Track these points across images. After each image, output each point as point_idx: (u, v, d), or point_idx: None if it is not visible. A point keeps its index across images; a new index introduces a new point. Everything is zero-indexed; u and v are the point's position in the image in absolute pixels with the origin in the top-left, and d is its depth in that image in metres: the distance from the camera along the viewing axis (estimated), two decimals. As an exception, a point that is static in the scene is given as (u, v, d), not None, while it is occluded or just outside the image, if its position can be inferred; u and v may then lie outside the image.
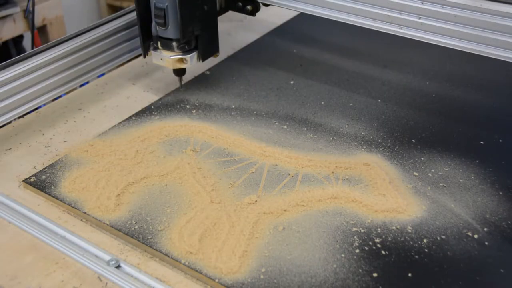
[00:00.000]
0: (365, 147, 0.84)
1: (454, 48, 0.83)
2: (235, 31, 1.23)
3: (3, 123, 0.86)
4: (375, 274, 0.63)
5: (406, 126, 0.89)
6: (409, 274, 0.63)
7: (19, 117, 0.90)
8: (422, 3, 0.82)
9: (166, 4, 0.85)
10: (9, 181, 0.79)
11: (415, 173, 0.78)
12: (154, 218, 0.71)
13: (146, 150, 0.83)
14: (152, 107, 0.94)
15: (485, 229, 0.69)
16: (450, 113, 0.92)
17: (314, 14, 0.93)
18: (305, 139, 0.86)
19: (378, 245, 0.66)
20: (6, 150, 0.85)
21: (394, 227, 0.69)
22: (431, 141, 0.85)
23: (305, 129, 0.88)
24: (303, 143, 0.85)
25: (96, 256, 0.65)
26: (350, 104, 0.95)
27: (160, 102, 0.96)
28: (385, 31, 0.87)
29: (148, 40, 0.92)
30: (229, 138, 0.85)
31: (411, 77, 1.03)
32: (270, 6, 1.01)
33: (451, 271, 0.63)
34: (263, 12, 1.03)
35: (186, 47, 0.91)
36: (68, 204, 0.73)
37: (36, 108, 0.92)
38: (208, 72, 1.05)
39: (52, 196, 0.74)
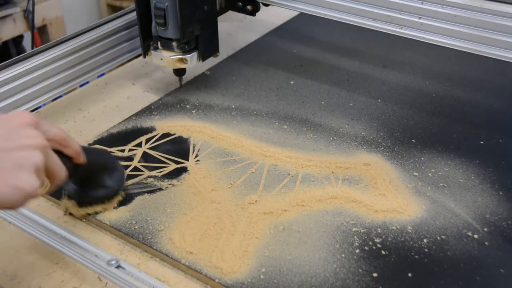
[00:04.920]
0: (365, 147, 0.84)
1: (454, 48, 0.83)
2: (235, 31, 1.23)
3: (3, 123, 0.85)
4: (375, 274, 0.63)
5: (406, 126, 0.89)
6: (409, 274, 0.63)
7: (19, 117, 0.90)
8: (422, 3, 0.82)
9: (166, 4, 0.85)
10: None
11: (415, 173, 0.78)
12: (154, 218, 0.71)
13: (146, 150, 0.83)
14: (152, 107, 0.94)
15: (485, 229, 0.69)
16: (450, 113, 0.92)
17: (314, 14, 0.93)
18: (305, 139, 0.86)
19: (378, 245, 0.66)
20: (6, 150, 0.85)
21: (394, 227, 0.69)
22: (431, 141, 0.85)
23: (305, 129, 0.88)
24: (303, 143, 0.85)
25: (96, 256, 0.65)
26: (350, 104, 0.95)
27: (160, 102, 0.96)
28: (385, 31, 0.87)
29: (148, 40, 0.92)
30: (229, 138, 0.85)
31: (411, 77, 1.03)
32: (270, 6, 1.01)
33: (451, 271, 0.63)
34: (263, 12, 1.03)
35: (186, 47, 0.91)
36: (68, 204, 0.73)
37: (36, 108, 0.92)
38: (208, 72, 1.05)
39: (52, 196, 0.74)
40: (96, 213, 0.71)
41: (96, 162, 0.67)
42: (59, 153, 0.57)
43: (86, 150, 0.63)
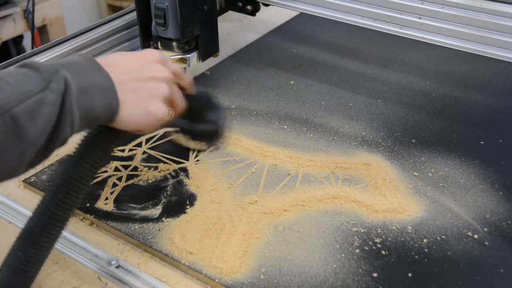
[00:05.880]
0: (365, 147, 0.84)
1: (454, 48, 0.83)
2: (235, 31, 1.23)
3: (3, 123, 0.85)
4: (375, 274, 0.63)
5: (406, 126, 0.89)
6: (409, 274, 0.63)
7: (19, 117, 0.90)
8: (422, 3, 0.82)
9: (166, 4, 0.85)
10: (9, 181, 0.78)
11: (415, 173, 0.78)
12: (154, 218, 0.71)
13: (146, 150, 0.83)
14: (152, 107, 0.94)
15: (485, 229, 0.69)
16: (450, 113, 0.92)
17: (314, 14, 0.94)
18: (305, 139, 0.86)
19: (378, 245, 0.66)
20: (6, 150, 0.85)
21: (394, 227, 0.69)
22: (431, 141, 0.85)
23: (305, 129, 0.88)
24: (303, 143, 0.85)
25: (96, 256, 0.65)
26: (350, 104, 0.95)
27: (160, 102, 0.96)
28: (385, 31, 0.87)
29: (148, 40, 0.92)
30: (229, 138, 0.85)
31: (411, 77, 1.03)
32: (270, 6, 1.01)
33: (451, 271, 0.63)
34: (263, 12, 1.03)
35: (186, 47, 0.91)
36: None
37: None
38: (208, 72, 1.05)
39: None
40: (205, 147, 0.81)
41: (201, 99, 0.73)
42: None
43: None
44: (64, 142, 0.51)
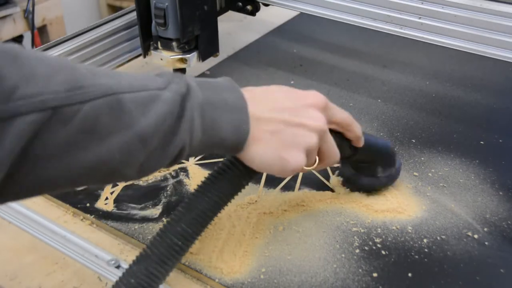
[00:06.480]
0: (365, 147, 0.84)
1: (454, 48, 0.83)
2: (235, 31, 1.23)
3: (3, 123, 0.85)
4: (375, 274, 0.63)
5: (406, 126, 0.89)
6: (409, 274, 0.63)
7: (19, 117, 0.90)
8: (422, 3, 0.82)
9: (166, 4, 0.85)
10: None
11: (415, 173, 0.78)
12: (154, 218, 0.71)
13: (146, 150, 0.83)
14: (152, 107, 0.94)
15: (485, 229, 0.69)
16: (450, 113, 0.92)
17: (314, 14, 0.94)
18: (305, 139, 0.86)
19: (378, 245, 0.66)
20: (6, 150, 0.85)
21: (394, 227, 0.69)
22: (431, 141, 0.85)
23: (305, 129, 0.88)
24: (303, 143, 0.85)
25: (96, 256, 0.65)
26: (350, 104, 0.95)
27: (160, 102, 0.95)
28: (385, 31, 0.87)
29: (148, 40, 0.92)
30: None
31: (411, 77, 1.03)
32: (270, 6, 1.02)
33: (451, 271, 0.63)
34: (263, 12, 1.03)
35: (186, 47, 0.91)
36: (68, 203, 0.73)
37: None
38: (208, 72, 1.05)
39: (52, 196, 0.74)
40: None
41: (374, 152, 0.69)
42: (340, 135, 0.62)
43: (370, 138, 0.67)
44: (182, 152, 0.47)
